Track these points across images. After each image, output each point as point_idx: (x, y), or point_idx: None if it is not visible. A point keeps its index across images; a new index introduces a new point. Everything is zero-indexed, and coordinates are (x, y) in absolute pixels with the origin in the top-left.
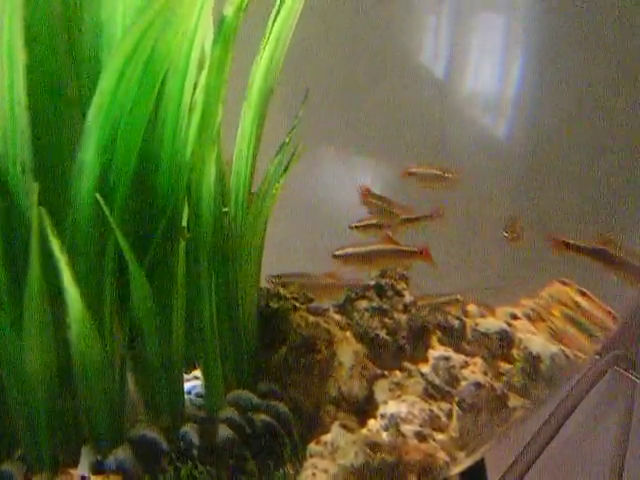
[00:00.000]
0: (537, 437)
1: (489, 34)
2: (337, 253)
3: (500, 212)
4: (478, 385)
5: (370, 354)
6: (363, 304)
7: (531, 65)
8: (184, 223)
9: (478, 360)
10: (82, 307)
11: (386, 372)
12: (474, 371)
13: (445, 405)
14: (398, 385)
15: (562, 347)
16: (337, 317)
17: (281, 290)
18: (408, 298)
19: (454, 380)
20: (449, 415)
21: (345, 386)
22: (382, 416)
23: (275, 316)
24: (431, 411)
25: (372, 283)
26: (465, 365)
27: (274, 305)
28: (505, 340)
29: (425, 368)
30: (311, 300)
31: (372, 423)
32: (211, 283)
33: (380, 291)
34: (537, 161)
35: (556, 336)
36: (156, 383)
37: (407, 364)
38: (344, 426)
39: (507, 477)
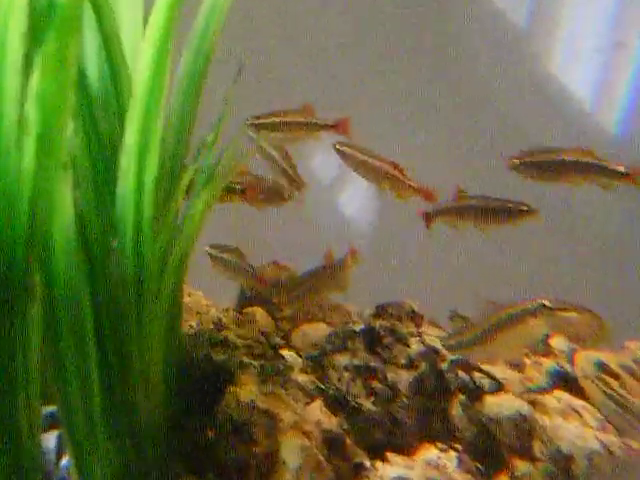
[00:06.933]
0: None
1: None
2: None
3: None
4: None
5: (351, 430)
6: (343, 359)
7: None
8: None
9: None
10: None
11: (367, 462)
12: None
13: None
14: None
15: (604, 440)
16: (303, 378)
17: (230, 336)
18: (417, 347)
19: None
20: None
21: None
22: None
23: (218, 373)
24: None
25: (358, 329)
26: None
27: (218, 357)
28: (521, 429)
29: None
30: (276, 347)
31: None
32: (85, 347)
33: (371, 339)
34: None
35: None
36: None
37: (390, 455)
38: None
39: None
